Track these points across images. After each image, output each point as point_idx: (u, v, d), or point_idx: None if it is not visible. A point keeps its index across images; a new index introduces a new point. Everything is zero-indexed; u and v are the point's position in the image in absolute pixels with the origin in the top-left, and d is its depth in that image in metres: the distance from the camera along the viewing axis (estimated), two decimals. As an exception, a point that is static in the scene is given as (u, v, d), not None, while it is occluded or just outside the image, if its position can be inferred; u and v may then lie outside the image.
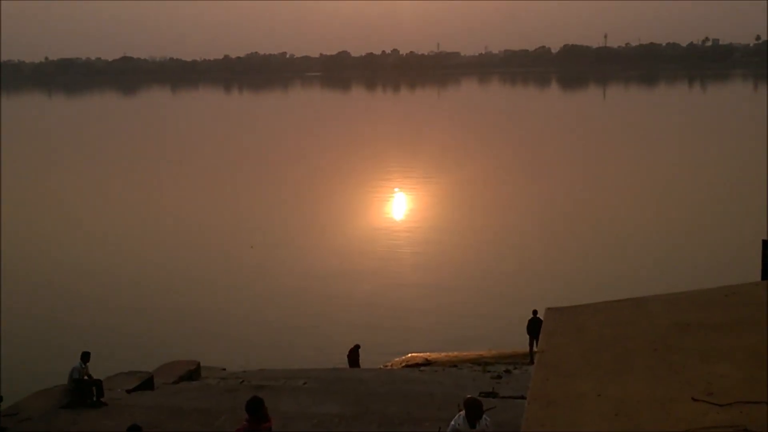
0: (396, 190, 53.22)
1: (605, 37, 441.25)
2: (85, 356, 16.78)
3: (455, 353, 24.29)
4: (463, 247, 37.10)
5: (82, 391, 16.50)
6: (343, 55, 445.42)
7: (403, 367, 23.13)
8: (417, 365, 23.11)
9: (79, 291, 31.48)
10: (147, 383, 18.95)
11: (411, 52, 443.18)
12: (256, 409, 8.61)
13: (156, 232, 41.96)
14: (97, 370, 17.26)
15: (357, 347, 22.82)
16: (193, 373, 20.91)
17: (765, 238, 26.32)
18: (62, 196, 54.07)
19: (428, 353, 24.34)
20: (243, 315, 28.33)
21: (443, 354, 24.29)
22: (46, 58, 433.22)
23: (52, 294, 31.09)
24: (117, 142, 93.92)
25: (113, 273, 33.84)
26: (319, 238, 39.65)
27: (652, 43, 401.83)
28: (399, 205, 48.73)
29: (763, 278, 22.22)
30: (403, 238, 39.06)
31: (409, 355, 24.49)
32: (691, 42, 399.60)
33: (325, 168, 65.24)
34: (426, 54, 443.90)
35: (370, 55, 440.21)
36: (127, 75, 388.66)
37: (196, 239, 40.11)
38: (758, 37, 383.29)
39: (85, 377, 16.67)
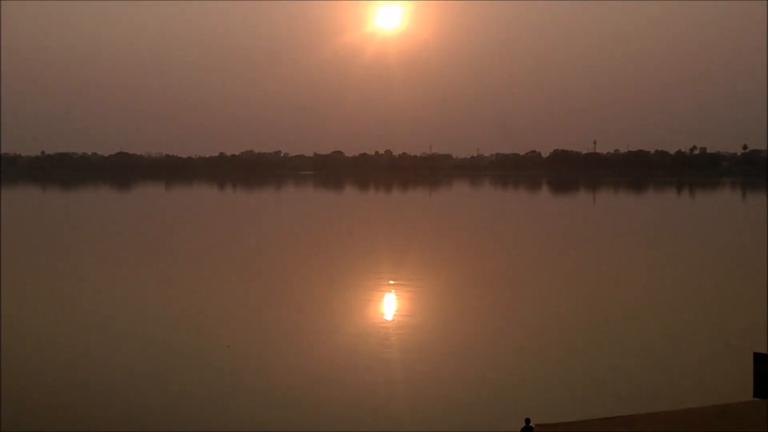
0: (382, 292, 52.79)
1: (594, 143, 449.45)
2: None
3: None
4: (449, 352, 36.50)
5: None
6: (336, 155, 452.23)
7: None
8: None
9: (46, 393, 30.62)
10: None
11: (404, 153, 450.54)
12: None
13: (131, 331, 41.05)
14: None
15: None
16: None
17: (756, 351, 26.04)
18: (38, 295, 53.42)
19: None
20: (218, 419, 27.42)
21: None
22: (43, 152, 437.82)
23: (18, 399, 30.25)
24: (101, 237, 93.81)
25: (80, 374, 33.04)
26: (301, 339, 39.00)
27: (640, 150, 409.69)
28: (384, 308, 48.21)
29: (755, 394, 21.91)
30: (388, 342, 38.46)
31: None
32: (679, 150, 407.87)
33: (311, 267, 65.00)
34: (418, 155, 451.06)
35: (364, 155, 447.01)
36: (123, 171, 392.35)
37: (171, 338, 39.32)
38: (745, 146, 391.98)
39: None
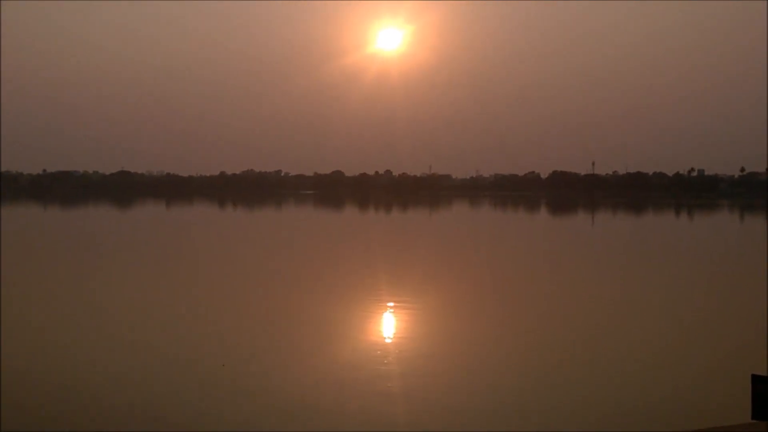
0: (381, 313, 52.97)
1: (593, 164, 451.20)
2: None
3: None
4: (447, 373, 36.66)
5: None
6: (336, 174, 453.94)
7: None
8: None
9: (40, 409, 30.74)
10: None
11: (404, 173, 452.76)
12: None
13: (131, 335, 41.17)
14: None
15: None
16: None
17: (754, 373, 26.29)
18: (39, 304, 53.60)
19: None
20: (217, 424, 27.49)
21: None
22: (44, 170, 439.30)
23: (18, 399, 30.39)
24: (102, 254, 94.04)
25: (81, 376, 33.18)
26: (297, 359, 39.12)
27: (638, 172, 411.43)
28: (383, 329, 48.38)
29: (753, 417, 22.16)
30: (385, 364, 38.63)
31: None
32: (678, 172, 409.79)
33: (309, 287, 65.18)
34: (418, 175, 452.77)
35: (364, 174, 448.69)
36: (124, 189, 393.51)
37: (165, 354, 39.41)
38: (743, 169, 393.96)
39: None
